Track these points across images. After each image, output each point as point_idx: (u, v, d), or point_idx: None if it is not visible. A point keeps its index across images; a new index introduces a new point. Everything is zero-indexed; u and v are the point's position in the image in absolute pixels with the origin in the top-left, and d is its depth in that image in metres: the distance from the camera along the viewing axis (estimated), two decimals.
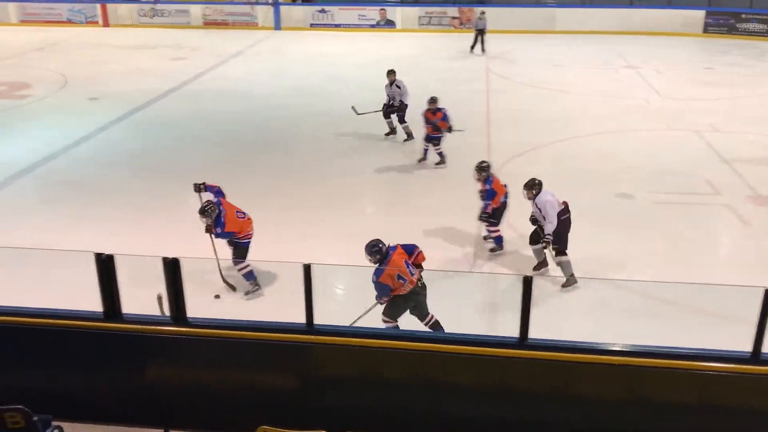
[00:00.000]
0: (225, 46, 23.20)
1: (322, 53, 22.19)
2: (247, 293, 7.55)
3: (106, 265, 4.97)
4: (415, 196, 10.74)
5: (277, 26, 26.60)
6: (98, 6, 27.39)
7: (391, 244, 6.33)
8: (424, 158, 11.94)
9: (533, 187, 7.68)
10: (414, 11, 26.28)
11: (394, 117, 13.06)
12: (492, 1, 26.22)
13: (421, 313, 6.39)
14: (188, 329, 4.84)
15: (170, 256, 4.83)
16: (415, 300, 6.31)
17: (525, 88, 17.55)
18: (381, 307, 6.31)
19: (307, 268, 4.67)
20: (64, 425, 4.28)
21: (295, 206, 10.21)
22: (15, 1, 27.75)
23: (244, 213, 7.61)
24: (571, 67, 19.95)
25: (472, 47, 21.91)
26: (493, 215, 8.53)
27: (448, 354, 4.57)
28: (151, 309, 5.21)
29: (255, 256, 7.55)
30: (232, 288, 7.67)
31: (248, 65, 20.58)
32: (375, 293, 6.18)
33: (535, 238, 7.92)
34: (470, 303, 7.43)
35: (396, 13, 26.31)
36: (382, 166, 11.95)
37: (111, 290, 4.97)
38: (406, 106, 12.85)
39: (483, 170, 8.47)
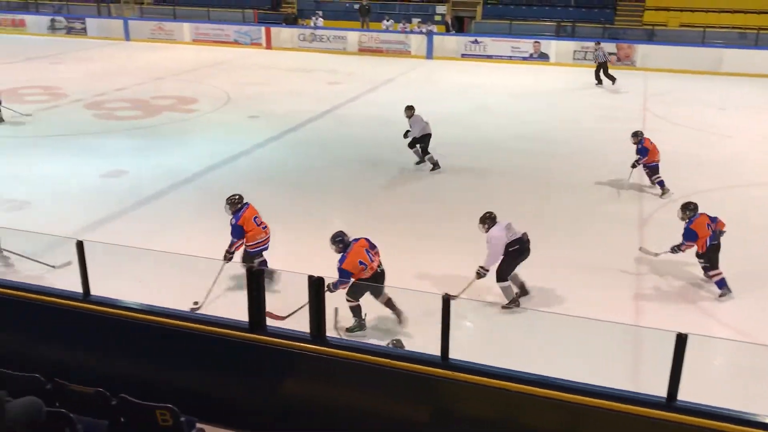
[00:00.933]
0: (377, 73, 23.85)
1: (472, 83, 22.26)
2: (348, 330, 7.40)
3: (256, 278, 5.17)
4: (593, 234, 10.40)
5: (429, 55, 27.01)
6: (263, 29, 29.11)
7: (355, 237, 7.25)
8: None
9: (485, 221, 7.82)
10: (569, 45, 25.79)
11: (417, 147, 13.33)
12: (657, 39, 25.25)
13: (378, 294, 7.22)
14: (326, 349, 4.90)
15: (315, 274, 4.96)
16: (377, 281, 7.20)
17: (684, 129, 16.63)
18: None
19: (445, 301, 4.62)
20: (207, 428, 4.46)
21: (430, 234, 10.21)
22: (190, 22, 30.11)
23: (263, 223, 8.08)
24: (736, 111, 18.71)
25: (598, 82, 21.30)
26: (704, 256, 8.25)
27: (599, 410, 4.29)
28: (291, 324, 5.34)
29: (393, 281, 7.56)
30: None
31: (398, 92, 20.97)
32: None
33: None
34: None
35: (550, 46, 25.94)
36: (523, 196, 11.71)
37: (258, 303, 5.16)
38: (423, 137, 13.14)
39: (687, 209, 8.37)
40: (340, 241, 7.19)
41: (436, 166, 13.29)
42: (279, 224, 10.46)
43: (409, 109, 13.48)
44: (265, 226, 8.14)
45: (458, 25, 29.64)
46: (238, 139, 15.15)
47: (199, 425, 4.32)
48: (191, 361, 5.08)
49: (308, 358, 4.90)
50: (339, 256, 7.14)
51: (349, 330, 7.35)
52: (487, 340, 7.38)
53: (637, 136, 11.82)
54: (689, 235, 8.15)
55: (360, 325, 7.39)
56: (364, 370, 4.74)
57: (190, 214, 11.06)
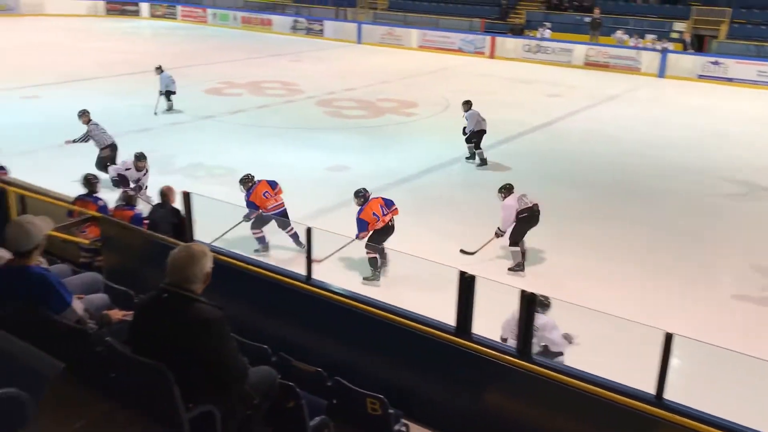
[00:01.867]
0: (602, 88, 22.98)
1: (707, 107, 20.67)
2: (255, 251, 9.13)
3: (467, 285, 5.20)
4: None
5: (661, 74, 25.49)
6: (488, 38, 29.30)
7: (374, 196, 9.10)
8: None
9: (502, 191, 9.46)
10: None
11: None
12: None
13: (381, 241, 8.88)
14: (531, 366, 4.81)
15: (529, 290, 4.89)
16: (387, 234, 8.86)
17: None
18: None
19: (667, 339, 4.32)
20: (411, 425, 4.58)
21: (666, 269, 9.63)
22: (418, 29, 31.11)
23: (272, 193, 9.54)
24: None
25: None
26: None
27: None
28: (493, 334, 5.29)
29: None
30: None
31: (623, 109, 20.07)
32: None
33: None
34: None
35: None
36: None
37: (467, 309, 5.19)
38: (476, 133, 14.03)
39: None
40: (362, 196, 9.01)
41: (483, 162, 14.03)
42: (475, 220, 10.55)
43: (467, 104, 14.27)
44: (271, 196, 9.56)
45: (697, 44, 27.63)
46: (454, 146, 15.34)
47: (404, 420, 4.44)
48: (400, 356, 5.23)
49: (512, 372, 4.84)
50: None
51: (365, 279, 8.74)
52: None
53: None
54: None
55: (375, 275, 8.78)
56: (571, 395, 4.58)
57: (402, 213, 11.43)
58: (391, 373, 5.18)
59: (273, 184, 9.64)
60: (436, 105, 19.64)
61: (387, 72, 24.80)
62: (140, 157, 10.72)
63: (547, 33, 28.50)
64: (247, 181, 9.65)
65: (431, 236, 10.31)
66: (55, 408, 3.05)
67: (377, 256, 8.85)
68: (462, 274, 5.35)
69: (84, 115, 12.30)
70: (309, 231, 5.93)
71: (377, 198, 9.08)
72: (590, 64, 26.95)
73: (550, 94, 21.83)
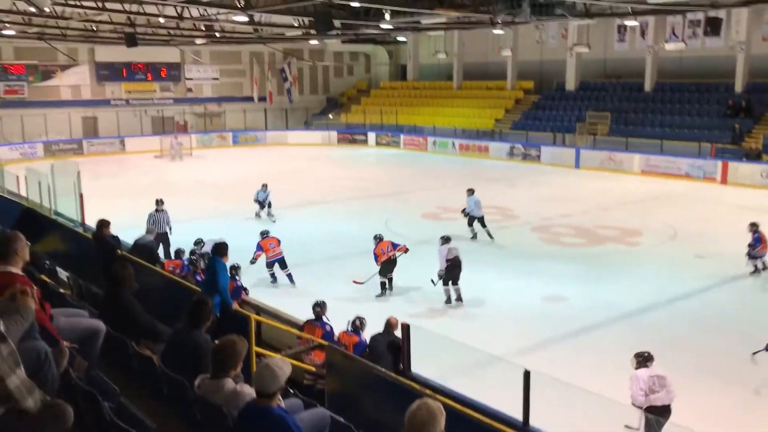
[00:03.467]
0: None
1: None
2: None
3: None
4: None
5: None
6: (719, 163, 27.58)
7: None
8: None
9: (441, 239, 13.29)
10: None
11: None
12: None
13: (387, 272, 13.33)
14: None
15: None
16: (392, 266, 13.27)
17: None
18: None
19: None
20: None
21: None
22: (641, 153, 30.21)
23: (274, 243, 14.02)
24: None
25: None
26: None
27: None
28: None
29: None
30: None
31: None
32: None
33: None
34: None
35: None
36: None
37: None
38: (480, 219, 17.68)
39: None
40: (376, 237, 13.76)
41: (475, 237, 17.67)
42: (709, 375, 9.47)
43: (470, 191, 18.15)
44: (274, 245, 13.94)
45: None
46: (682, 279, 14.36)
47: None
48: None
49: None
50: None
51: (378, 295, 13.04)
52: None
53: None
54: None
55: (383, 294, 13.08)
56: None
57: (624, 353, 10.70)
58: None
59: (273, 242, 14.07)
60: (661, 233, 18.63)
61: (607, 198, 24.18)
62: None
63: None
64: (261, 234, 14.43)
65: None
66: None
67: (385, 281, 13.42)
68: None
69: (158, 203, 15.61)
70: (527, 376, 5.75)
71: (385, 240, 13.64)
72: None
73: None
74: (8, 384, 3.00)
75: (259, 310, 9.38)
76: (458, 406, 5.70)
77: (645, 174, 29.40)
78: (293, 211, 21.56)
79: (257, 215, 20.51)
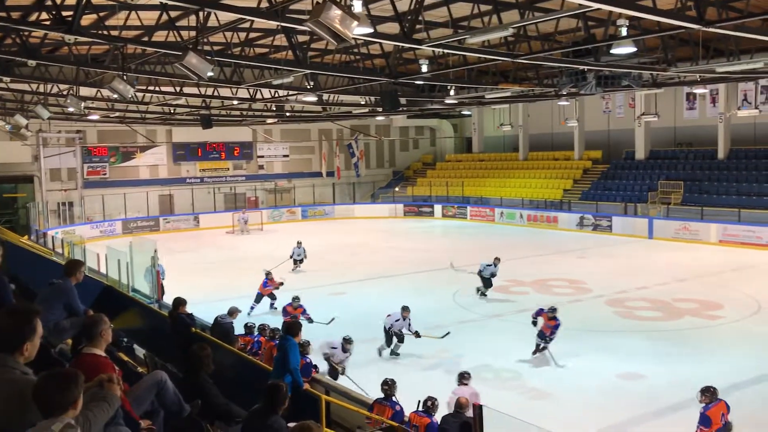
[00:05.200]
0: None
1: None
2: None
3: None
4: None
5: None
6: None
7: None
8: None
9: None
10: None
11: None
12: None
13: None
14: None
15: None
16: None
17: None
18: None
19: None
20: None
21: None
22: (718, 222, 29.23)
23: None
24: None
25: None
26: None
27: None
28: None
29: None
30: None
31: None
32: None
33: None
34: None
35: None
36: None
37: None
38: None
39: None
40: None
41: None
42: None
43: (497, 259, 19.28)
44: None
45: None
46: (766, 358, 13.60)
47: None
48: None
49: None
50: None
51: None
52: None
53: None
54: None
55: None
56: None
57: None
58: None
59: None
60: (744, 307, 17.79)
61: (683, 269, 23.35)
62: (349, 341, 11.87)
63: None
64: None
65: None
66: None
67: None
68: None
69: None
70: None
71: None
72: None
73: None
74: None
75: (329, 389, 9.35)
76: None
77: (723, 244, 28.34)
78: (359, 285, 21.65)
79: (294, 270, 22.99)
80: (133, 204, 38.36)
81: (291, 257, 23.66)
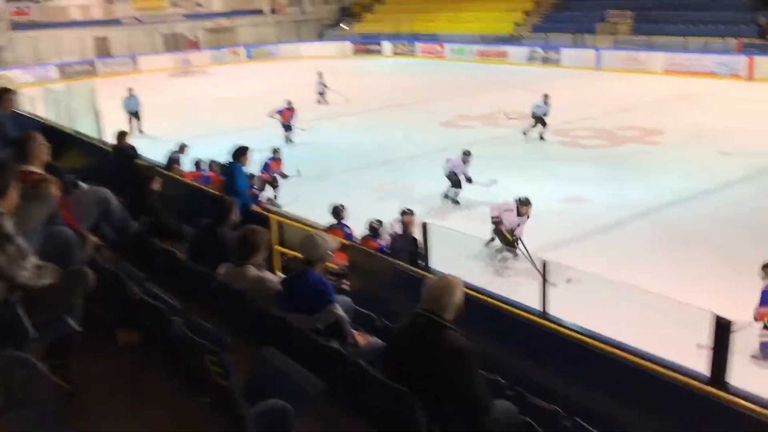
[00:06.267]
0: None
1: None
2: None
3: (723, 330, 4.75)
4: None
5: None
6: (745, 59, 26.76)
7: None
8: None
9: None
10: None
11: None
12: None
13: None
14: None
15: None
16: None
17: None
18: None
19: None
20: None
21: None
22: (665, 52, 29.33)
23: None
24: None
25: None
26: None
27: None
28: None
29: None
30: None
31: None
32: None
33: None
34: None
35: None
36: None
37: (722, 357, 4.73)
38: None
39: None
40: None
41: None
42: (729, 268, 9.48)
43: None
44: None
45: None
46: (705, 177, 14.18)
47: None
48: (640, 402, 4.90)
49: None
50: None
51: None
52: None
53: None
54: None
55: None
56: None
57: (643, 249, 10.79)
58: (630, 418, 4.86)
59: None
60: (684, 132, 18.30)
61: (629, 99, 23.66)
62: (525, 202, 10.43)
63: None
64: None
65: (673, 273, 9.58)
66: (313, 423, 3.31)
67: None
68: (718, 319, 4.91)
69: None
70: (544, 265, 5.84)
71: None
72: None
73: None
74: (19, 279, 3.08)
75: (281, 216, 9.48)
76: (475, 293, 5.83)
77: (669, 73, 28.66)
78: (310, 125, 21.44)
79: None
80: (67, 48, 36.35)
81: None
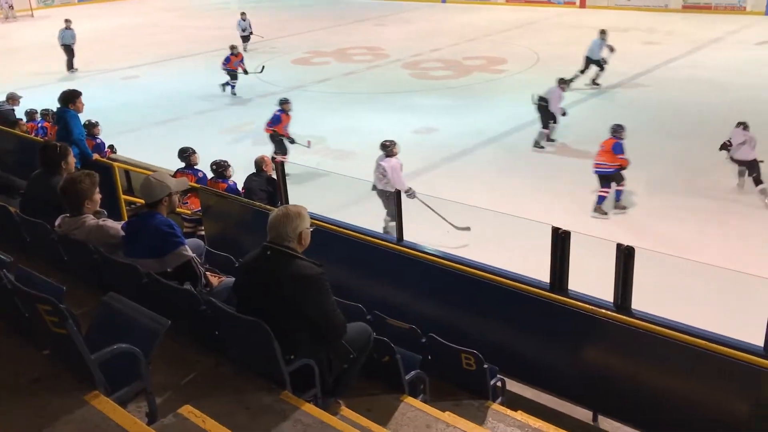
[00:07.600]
0: (703, 32, 21.73)
1: None
2: None
3: (562, 241, 5.11)
4: None
5: None
6: None
7: None
8: None
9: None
10: None
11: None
12: None
13: None
14: (630, 320, 4.70)
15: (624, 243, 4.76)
16: None
17: None
18: None
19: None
20: (506, 380, 4.59)
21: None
22: None
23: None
24: None
25: None
26: None
27: None
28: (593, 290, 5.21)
29: None
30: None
31: (727, 53, 18.91)
32: None
33: None
34: None
35: None
36: None
37: (562, 265, 5.11)
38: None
39: None
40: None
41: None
42: (566, 172, 10.28)
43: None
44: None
45: None
46: None
47: (499, 375, 4.46)
48: (493, 313, 5.24)
49: (610, 327, 4.76)
50: None
51: None
52: None
53: None
54: None
55: None
56: (672, 348, 4.46)
57: (492, 172, 11.32)
58: (484, 329, 5.20)
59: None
60: (525, 60, 19.14)
61: (473, 30, 24.31)
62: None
63: None
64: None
65: (521, 192, 10.17)
66: (166, 362, 3.27)
67: None
68: (555, 230, 5.27)
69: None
70: (398, 195, 6.00)
71: None
72: (689, 7, 25.47)
73: (646, 42, 20.83)
74: None
75: (128, 164, 9.04)
76: (335, 227, 5.91)
77: (509, 3, 29.67)
78: (156, 67, 20.36)
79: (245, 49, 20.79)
80: None
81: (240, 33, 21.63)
